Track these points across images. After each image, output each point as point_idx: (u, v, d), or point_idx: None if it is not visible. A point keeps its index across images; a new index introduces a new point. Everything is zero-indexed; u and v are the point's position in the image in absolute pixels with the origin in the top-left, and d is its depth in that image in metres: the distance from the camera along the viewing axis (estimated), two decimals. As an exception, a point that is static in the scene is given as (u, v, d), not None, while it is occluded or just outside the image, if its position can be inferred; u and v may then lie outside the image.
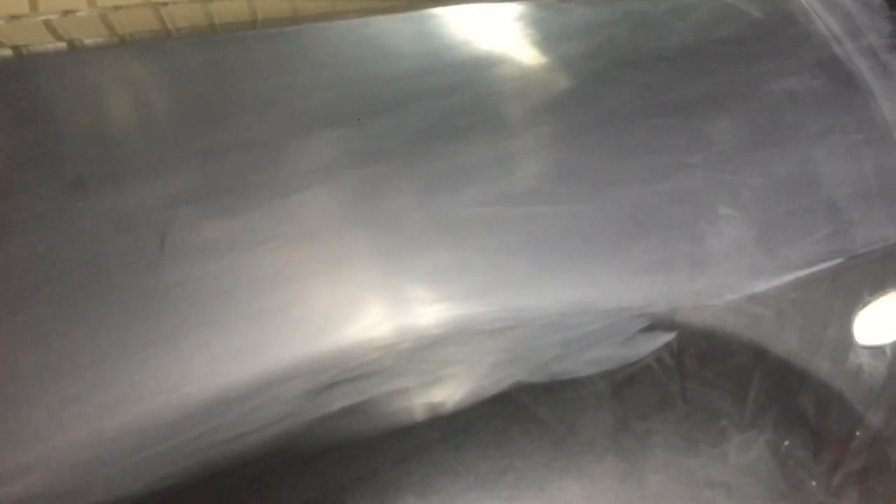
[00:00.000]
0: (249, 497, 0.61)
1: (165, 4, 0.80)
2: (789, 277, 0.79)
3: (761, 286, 0.78)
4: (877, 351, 0.85)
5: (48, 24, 0.77)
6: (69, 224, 0.62)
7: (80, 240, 0.61)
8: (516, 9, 0.84)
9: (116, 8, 0.80)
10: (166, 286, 0.61)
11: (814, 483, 0.79)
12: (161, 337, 0.60)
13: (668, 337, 0.73)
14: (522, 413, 0.67)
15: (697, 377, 0.75)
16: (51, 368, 0.58)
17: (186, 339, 0.61)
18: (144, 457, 0.58)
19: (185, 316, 0.61)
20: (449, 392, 0.66)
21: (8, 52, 0.74)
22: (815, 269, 0.80)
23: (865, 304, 0.84)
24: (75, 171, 0.64)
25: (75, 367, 0.58)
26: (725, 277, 0.77)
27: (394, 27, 0.81)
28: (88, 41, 0.77)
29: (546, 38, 0.83)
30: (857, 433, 0.84)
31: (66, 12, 0.77)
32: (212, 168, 0.66)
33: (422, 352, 0.66)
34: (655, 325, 0.73)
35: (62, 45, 0.76)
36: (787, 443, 0.78)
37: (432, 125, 0.73)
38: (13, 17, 0.76)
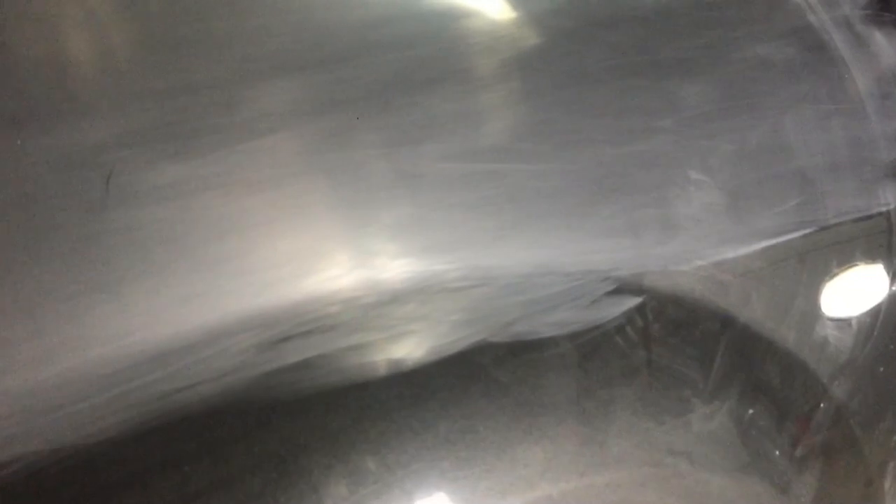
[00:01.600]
0: (197, 451, 0.60)
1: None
2: (758, 246, 0.80)
3: (730, 253, 0.79)
4: (843, 323, 0.87)
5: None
6: (6, 161, 0.60)
7: (17, 179, 0.59)
8: (487, -38, 0.84)
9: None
10: (110, 230, 0.60)
11: (777, 453, 0.80)
12: (103, 283, 0.59)
13: (634, 301, 0.74)
14: (483, 373, 0.67)
15: (663, 343, 0.76)
16: (-16, 312, 0.56)
17: (130, 285, 0.59)
18: (84, 406, 0.57)
19: (130, 262, 0.60)
20: (408, 349, 0.66)
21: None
22: (784, 238, 0.82)
23: (833, 276, 0.86)
24: (15, 106, 0.62)
25: (12, 312, 0.57)
26: (694, 243, 0.77)
27: (359, -26, 0.80)
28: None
29: (517, -8, 0.83)
30: (822, 405, 0.86)
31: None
32: (163, 109, 0.64)
33: (382, 307, 0.65)
34: (622, 288, 0.74)
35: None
36: (750, 412, 0.79)
37: (396, 76, 0.73)
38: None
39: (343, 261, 0.66)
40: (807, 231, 0.83)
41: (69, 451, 0.57)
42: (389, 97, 0.72)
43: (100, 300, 0.58)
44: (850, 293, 0.88)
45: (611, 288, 0.73)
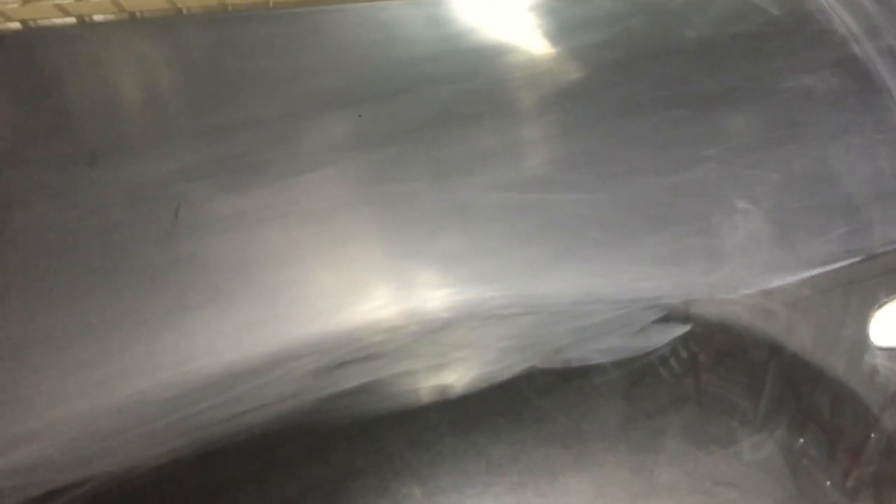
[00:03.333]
0: (255, 473, 0.63)
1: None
2: (805, 274, 0.81)
3: (777, 282, 0.80)
4: (892, 353, 0.88)
5: (60, 7, 0.80)
6: (83, 195, 0.64)
7: (94, 211, 0.64)
8: (532, -3, 0.88)
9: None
10: (178, 259, 0.64)
11: (828, 483, 0.81)
12: (171, 309, 0.62)
13: (682, 329, 0.76)
14: (533, 400, 0.69)
15: (711, 371, 0.77)
16: (61, 337, 0.60)
17: (196, 312, 0.63)
18: (149, 430, 0.60)
19: (196, 289, 0.63)
20: (458, 376, 0.68)
21: (17, 26, 0.76)
22: (831, 266, 0.83)
23: (881, 305, 0.87)
24: (89, 144, 0.66)
25: (85, 337, 0.60)
26: (740, 272, 0.79)
27: (407, 12, 0.84)
28: (98, 17, 0.80)
29: (562, 27, 0.86)
30: (872, 435, 0.86)
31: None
32: (224, 144, 0.69)
33: (430, 335, 0.68)
34: (669, 316, 0.75)
35: (71, 19, 0.79)
36: (800, 442, 0.80)
37: (444, 110, 0.76)
38: (26, 0, 0.80)
39: (393, 290, 0.69)
40: (854, 259, 0.84)
41: (137, 473, 0.60)
42: (437, 131, 0.75)
43: (167, 326, 0.62)
44: (900, 322, 0.88)
45: (658, 316, 0.75)
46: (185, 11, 0.82)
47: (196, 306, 0.63)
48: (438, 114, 0.75)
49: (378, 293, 0.68)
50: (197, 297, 0.63)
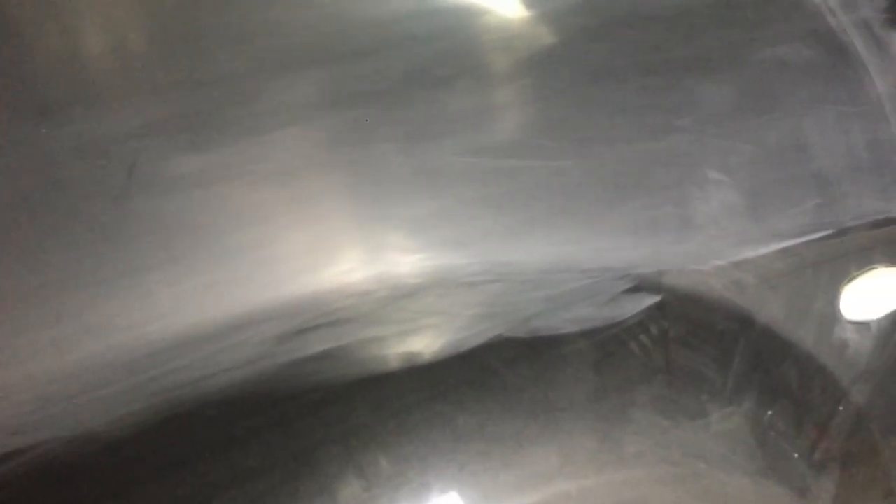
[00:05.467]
0: (215, 444, 0.62)
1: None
2: (777, 246, 0.82)
3: (748, 253, 0.80)
4: (862, 326, 0.89)
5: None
6: (32, 149, 0.62)
7: (44, 166, 0.62)
8: (506, -40, 0.86)
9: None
10: (133, 218, 0.62)
11: (795, 456, 0.82)
12: (126, 270, 0.61)
13: (652, 299, 0.76)
14: (501, 369, 0.69)
15: (681, 343, 0.78)
16: (9, 297, 0.58)
17: (152, 273, 0.61)
18: (106, 393, 0.58)
19: (152, 250, 0.62)
20: (426, 343, 0.67)
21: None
22: (802, 239, 0.83)
23: (852, 279, 0.87)
24: (42, 97, 0.64)
25: (35, 298, 0.59)
26: (712, 242, 0.79)
27: (378, -30, 0.82)
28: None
29: (536, -10, 0.85)
30: (841, 408, 0.87)
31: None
32: (185, 101, 0.67)
33: (399, 301, 0.67)
34: (640, 286, 0.75)
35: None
36: (769, 414, 0.81)
37: (415, 71, 0.75)
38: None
39: (361, 254, 0.68)
40: (826, 232, 0.85)
41: (89, 438, 0.58)
42: (407, 92, 0.74)
43: (122, 287, 0.60)
44: (870, 296, 0.89)
45: (629, 286, 0.75)
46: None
47: (151, 268, 0.61)
48: (408, 75, 0.74)
49: (344, 257, 0.67)
50: (152, 259, 0.61)
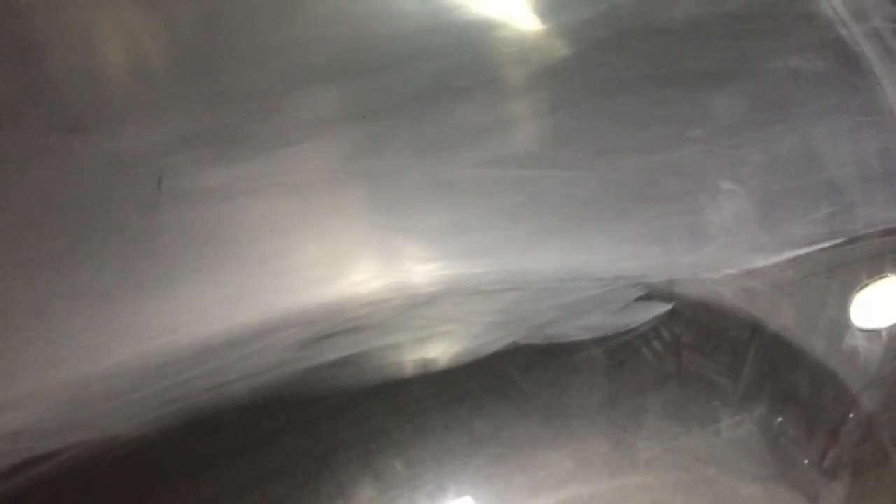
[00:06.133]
0: (238, 442, 0.64)
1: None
2: (788, 255, 0.83)
3: (760, 262, 0.82)
4: (873, 334, 0.89)
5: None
6: (67, 163, 0.65)
7: (78, 179, 0.64)
8: (521, -26, 0.88)
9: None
10: (161, 229, 0.64)
11: (806, 462, 0.83)
12: (154, 279, 0.63)
13: (664, 307, 0.77)
14: (516, 375, 0.70)
15: (693, 350, 0.79)
16: (42, 306, 0.61)
17: (180, 283, 0.64)
18: (133, 398, 0.61)
19: (180, 260, 0.64)
20: (442, 350, 0.69)
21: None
22: (814, 248, 0.84)
23: (863, 287, 0.88)
24: (74, 112, 0.66)
25: (67, 306, 0.61)
26: (724, 251, 0.80)
27: (395, -14, 0.84)
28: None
29: (550, 4, 0.87)
30: (851, 415, 0.88)
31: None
32: (209, 116, 0.69)
33: (415, 309, 0.69)
34: (652, 295, 0.77)
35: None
36: (779, 420, 0.82)
37: (432, 85, 0.77)
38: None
39: (378, 263, 0.69)
40: (837, 241, 0.86)
41: (119, 442, 0.61)
42: (424, 106, 0.76)
43: (151, 296, 0.63)
44: (881, 304, 0.90)
45: (641, 294, 0.76)
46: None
47: (179, 276, 0.63)
48: (425, 89, 0.76)
49: (363, 267, 0.69)
50: (180, 268, 0.64)
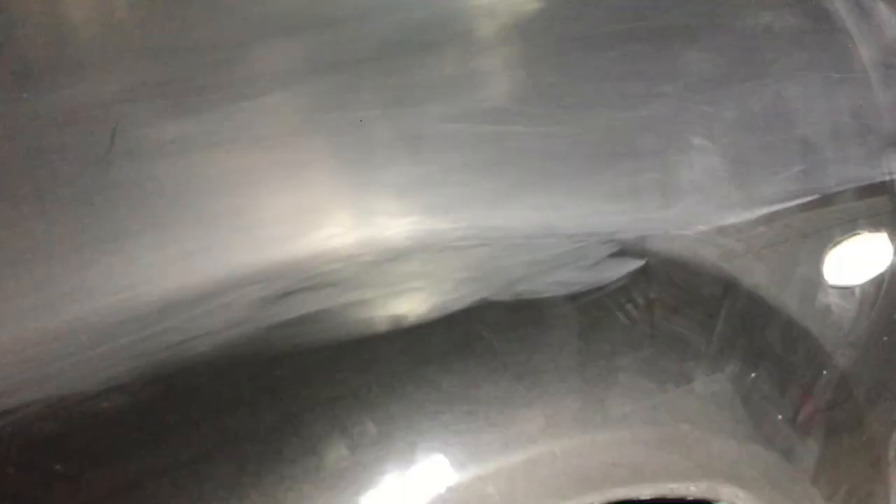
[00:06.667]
0: (200, 409, 0.62)
1: None
2: (761, 212, 0.82)
3: (732, 219, 0.81)
4: (846, 291, 0.89)
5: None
6: (12, 115, 0.62)
7: (23, 133, 0.62)
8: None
9: None
10: (115, 184, 0.62)
11: (780, 417, 0.83)
12: (109, 235, 0.61)
13: (636, 264, 0.76)
14: (485, 332, 0.69)
15: (665, 307, 0.78)
16: (-8, 262, 0.58)
17: (135, 238, 0.62)
18: (90, 356, 0.59)
19: (135, 215, 0.62)
20: (411, 306, 0.68)
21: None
22: (786, 205, 0.84)
23: (836, 244, 0.88)
24: (22, 63, 0.64)
25: (17, 263, 0.59)
26: (696, 208, 0.80)
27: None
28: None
29: (519, -43, 0.85)
30: (824, 372, 0.88)
31: None
32: (167, 67, 0.67)
33: (384, 265, 0.67)
34: (623, 251, 0.76)
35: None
36: (753, 377, 0.82)
37: (398, 38, 0.75)
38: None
39: (345, 218, 0.68)
40: (809, 198, 0.85)
41: (74, 400, 0.59)
42: (391, 59, 0.74)
43: (105, 252, 0.61)
44: (854, 261, 0.90)
45: (612, 250, 0.75)
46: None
47: (134, 233, 0.61)
48: (391, 42, 0.74)
49: (328, 222, 0.68)
50: (134, 224, 0.62)
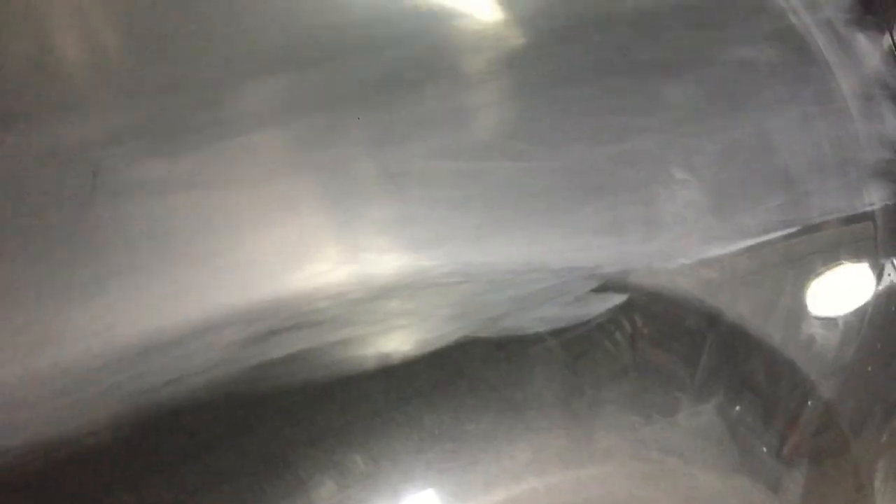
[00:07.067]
0: (184, 449, 0.62)
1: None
2: (743, 244, 0.83)
3: (714, 251, 0.81)
4: (829, 322, 0.90)
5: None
6: (-3, 158, 0.62)
7: (5, 174, 0.62)
8: (472, -36, 0.87)
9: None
10: (97, 225, 0.62)
11: (765, 450, 0.83)
12: (90, 277, 0.61)
13: (619, 298, 0.76)
14: (470, 369, 0.69)
15: (649, 340, 0.78)
16: (-28, 305, 0.58)
17: (117, 280, 0.61)
18: (71, 399, 0.58)
19: (117, 257, 0.62)
20: (395, 344, 0.68)
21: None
22: (768, 237, 0.84)
23: (818, 275, 0.89)
24: (7, 103, 0.64)
25: (1, 304, 0.58)
26: (678, 241, 0.80)
27: (346, -25, 0.82)
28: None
29: (501, -6, 0.86)
30: (809, 403, 0.88)
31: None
32: (150, 107, 0.67)
33: (368, 302, 0.67)
34: (607, 286, 0.76)
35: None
36: (738, 409, 0.82)
37: (383, 76, 0.75)
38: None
39: (330, 256, 0.68)
40: (791, 230, 0.86)
41: (55, 445, 0.58)
42: (376, 96, 0.75)
43: (87, 294, 0.60)
44: (837, 292, 0.90)
45: (595, 285, 0.76)
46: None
47: (116, 274, 0.61)
48: (375, 80, 0.75)
49: (312, 260, 0.68)
50: (117, 265, 0.61)
